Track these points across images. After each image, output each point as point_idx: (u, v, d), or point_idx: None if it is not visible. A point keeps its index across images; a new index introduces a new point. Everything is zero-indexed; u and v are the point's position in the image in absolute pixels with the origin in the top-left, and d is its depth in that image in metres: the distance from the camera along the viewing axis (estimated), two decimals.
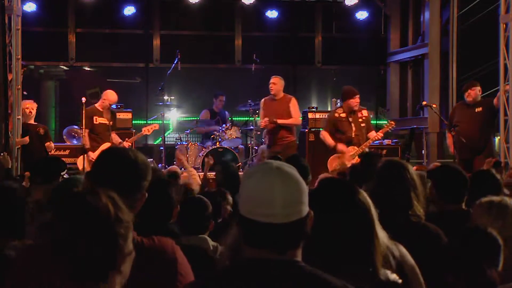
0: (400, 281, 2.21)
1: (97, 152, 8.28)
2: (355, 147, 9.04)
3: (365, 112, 9.28)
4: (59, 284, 1.63)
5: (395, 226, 2.78)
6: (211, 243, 3.82)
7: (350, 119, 9.10)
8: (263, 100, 10.24)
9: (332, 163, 9.02)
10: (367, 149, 8.99)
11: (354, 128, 9.07)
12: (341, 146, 9.00)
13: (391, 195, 3.18)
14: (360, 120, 9.13)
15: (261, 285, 1.75)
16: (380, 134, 9.26)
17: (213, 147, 10.95)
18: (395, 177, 3.25)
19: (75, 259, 1.60)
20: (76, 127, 11.61)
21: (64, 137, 11.56)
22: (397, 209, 3.17)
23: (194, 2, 13.45)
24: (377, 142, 12.04)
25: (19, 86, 9.32)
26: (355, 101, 9.05)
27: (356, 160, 8.66)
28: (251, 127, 11.49)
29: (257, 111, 11.48)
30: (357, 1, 13.65)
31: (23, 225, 3.44)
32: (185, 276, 2.20)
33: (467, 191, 3.95)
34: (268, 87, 10.07)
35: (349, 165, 8.60)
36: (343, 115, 9.13)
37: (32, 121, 9.72)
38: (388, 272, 2.20)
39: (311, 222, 1.83)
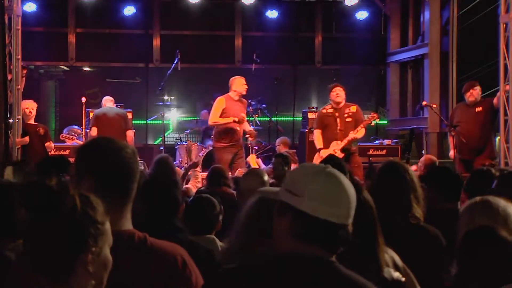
0: (403, 279, 2.21)
1: None
2: (339, 141, 8.96)
3: (353, 108, 9.20)
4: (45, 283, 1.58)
5: (394, 227, 2.78)
6: (219, 243, 3.70)
7: (337, 114, 9.12)
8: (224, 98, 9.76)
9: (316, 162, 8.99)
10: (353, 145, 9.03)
11: (339, 124, 9.06)
12: (324, 152, 8.81)
13: (391, 196, 3.18)
14: (345, 115, 9.11)
15: (312, 281, 1.80)
16: (361, 127, 9.03)
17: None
18: (395, 178, 3.25)
19: (34, 250, 1.56)
20: (75, 127, 11.60)
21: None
22: (396, 210, 3.17)
23: (194, 2, 13.45)
24: (377, 142, 12.10)
25: (19, 86, 9.31)
26: (334, 94, 9.13)
27: (339, 155, 8.59)
28: (251, 127, 11.47)
29: (257, 111, 11.49)
30: (357, 1, 13.66)
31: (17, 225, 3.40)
32: (192, 279, 2.18)
33: (460, 190, 3.99)
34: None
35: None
36: (330, 110, 9.20)
37: (32, 121, 9.71)
38: (392, 270, 2.20)
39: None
